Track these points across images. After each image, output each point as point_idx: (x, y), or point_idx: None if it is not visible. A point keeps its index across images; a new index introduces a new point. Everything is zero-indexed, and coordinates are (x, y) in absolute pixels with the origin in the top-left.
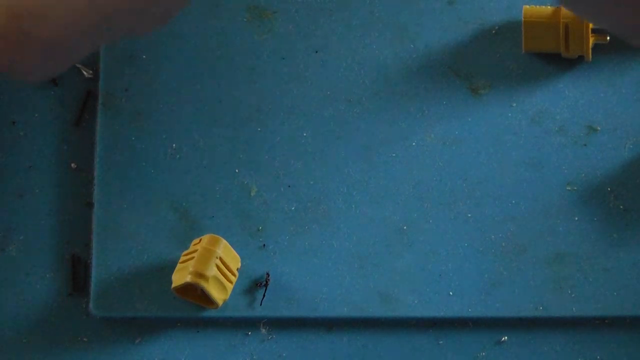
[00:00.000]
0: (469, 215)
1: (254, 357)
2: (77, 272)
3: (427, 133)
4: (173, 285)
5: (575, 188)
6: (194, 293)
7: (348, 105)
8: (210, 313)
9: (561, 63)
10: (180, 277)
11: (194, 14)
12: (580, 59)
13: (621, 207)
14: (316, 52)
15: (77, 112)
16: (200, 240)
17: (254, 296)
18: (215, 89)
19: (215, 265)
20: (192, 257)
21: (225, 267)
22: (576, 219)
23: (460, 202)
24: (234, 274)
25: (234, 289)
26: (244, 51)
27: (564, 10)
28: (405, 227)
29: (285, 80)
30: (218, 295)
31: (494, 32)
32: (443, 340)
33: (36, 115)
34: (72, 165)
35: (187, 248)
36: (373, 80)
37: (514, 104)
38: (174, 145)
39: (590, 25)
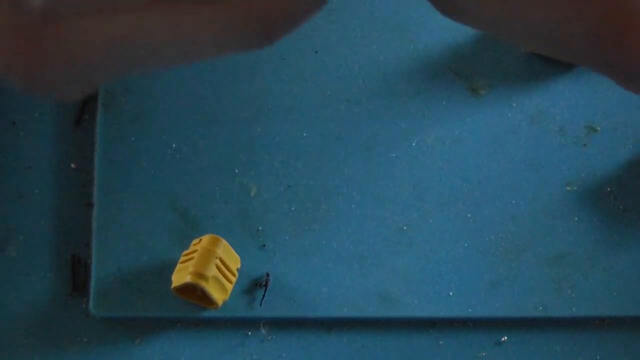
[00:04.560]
0: (469, 215)
1: (254, 357)
2: (77, 272)
3: (427, 133)
4: (173, 285)
5: (575, 188)
6: (194, 293)
7: (348, 105)
8: (210, 313)
9: (561, 63)
10: (180, 277)
11: None
12: None
13: (621, 207)
14: (316, 52)
15: (77, 112)
16: (200, 240)
17: (254, 296)
18: (215, 89)
19: (215, 266)
20: (192, 257)
21: (225, 267)
22: (576, 219)
23: (460, 202)
24: (233, 274)
25: (234, 289)
26: None
27: None
28: (405, 227)
29: (285, 80)
30: (218, 295)
31: None
32: (443, 340)
33: (36, 115)
34: (72, 165)
35: (187, 248)
36: (373, 80)
37: (514, 104)
38: (174, 145)
39: None
